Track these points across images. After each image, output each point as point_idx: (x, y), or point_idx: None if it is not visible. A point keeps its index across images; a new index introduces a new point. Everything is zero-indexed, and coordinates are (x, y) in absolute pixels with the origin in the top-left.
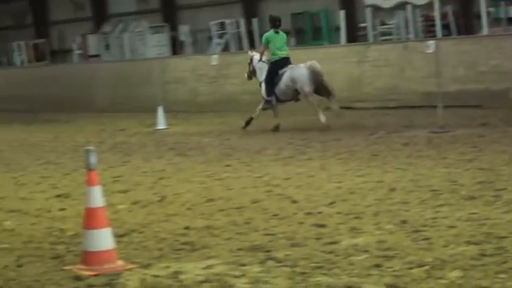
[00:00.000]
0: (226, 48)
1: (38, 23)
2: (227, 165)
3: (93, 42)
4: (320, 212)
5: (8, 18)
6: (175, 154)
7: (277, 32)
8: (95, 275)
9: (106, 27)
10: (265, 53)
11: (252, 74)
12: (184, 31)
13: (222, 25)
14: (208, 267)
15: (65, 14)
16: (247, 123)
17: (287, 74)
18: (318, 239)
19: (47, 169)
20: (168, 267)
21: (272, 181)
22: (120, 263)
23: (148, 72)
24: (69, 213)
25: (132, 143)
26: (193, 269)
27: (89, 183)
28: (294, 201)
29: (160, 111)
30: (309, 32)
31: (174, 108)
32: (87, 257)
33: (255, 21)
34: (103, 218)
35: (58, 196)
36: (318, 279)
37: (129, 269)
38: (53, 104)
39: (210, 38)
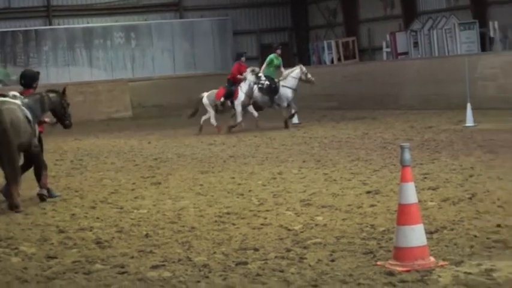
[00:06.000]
0: None
1: (348, 21)
2: None
3: (402, 40)
4: None
5: (320, 17)
6: (484, 151)
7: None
8: (407, 271)
9: (415, 25)
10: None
11: None
12: (494, 27)
13: None
14: None
15: (374, 12)
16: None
17: None
18: None
19: (357, 165)
20: (480, 264)
21: None
22: (431, 259)
23: (457, 70)
24: (379, 209)
25: (441, 140)
26: (506, 267)
27: (403, 179)
28: None
29: (468, 109)
30: None
31: (482, 106)
32: (400, 253)
33: None
34: (416, 215)
35: (368, 192)
36: None
37: (441, 266)
38: (361, 101)
39: None
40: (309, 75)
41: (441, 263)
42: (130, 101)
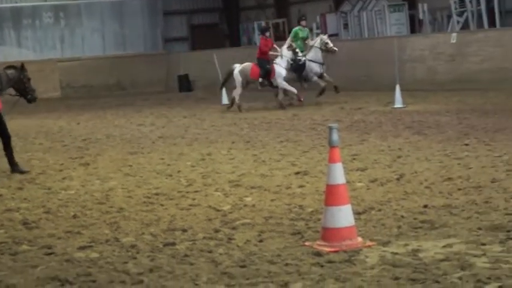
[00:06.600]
0: (465, 26)
1: (278, 3)
2: (466, 144)
3: (332, 22)
4: None
5: None
6: (412, 133)
7: None
8: (335, 251)
9: (345, 7)
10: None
11: None
12: (423, 9)
13: (462, 2)
14: (447, 245)
15: None
16: None
17: None
18: None
19: (286, 147)
20: (407, 245)
21: None
22: (359, 240)
23: (386, 51)
24: (308, 190)
25: (370, 121)
26: (432, 248)
27: (331, 160)
28: None
29: (397, 90)
30: None
31: (411, 87)
32: (327, 234)
33: None
34: (344, 195)
35: (297, 173)
36: None
37: (368, 246)
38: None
39: (449, 16)
40: (330, 45)
41: (368, 243)
42: (59, 81)
